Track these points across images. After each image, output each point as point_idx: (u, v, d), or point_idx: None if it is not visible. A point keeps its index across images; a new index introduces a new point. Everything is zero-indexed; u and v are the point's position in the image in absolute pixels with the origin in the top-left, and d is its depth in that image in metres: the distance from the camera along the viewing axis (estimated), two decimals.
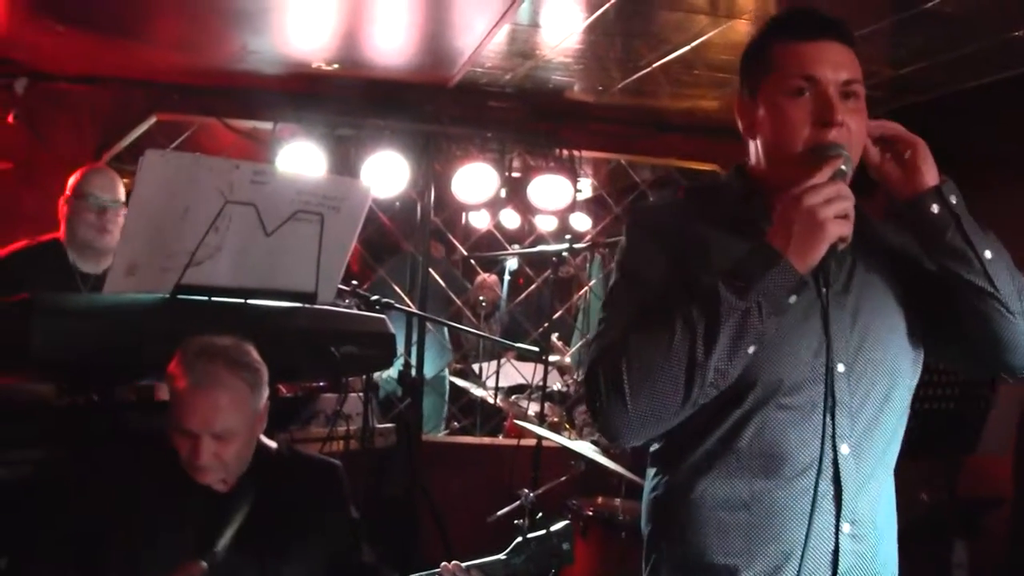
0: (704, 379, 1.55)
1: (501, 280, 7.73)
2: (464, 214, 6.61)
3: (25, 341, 2.25)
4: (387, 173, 4.66)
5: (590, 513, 3.91)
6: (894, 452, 1.75)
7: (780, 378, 1.63)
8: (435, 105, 4.88)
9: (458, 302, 6.08)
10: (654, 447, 1.81)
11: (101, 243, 3.42)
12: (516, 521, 3.90)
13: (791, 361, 1.64)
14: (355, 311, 3.32)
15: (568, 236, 4.95)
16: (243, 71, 4.48)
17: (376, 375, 4.29)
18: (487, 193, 4.85)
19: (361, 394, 3.67)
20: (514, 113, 5.00)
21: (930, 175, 1.65)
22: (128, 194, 2.81)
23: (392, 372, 4.69)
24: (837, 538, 1.64)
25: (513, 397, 5.87)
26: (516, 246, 6.03)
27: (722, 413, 1.65)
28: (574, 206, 5.04)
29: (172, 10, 3.78)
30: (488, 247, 6.33)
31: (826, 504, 1.64)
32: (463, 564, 2.27)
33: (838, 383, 1.65)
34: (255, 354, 2.28)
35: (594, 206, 7.38)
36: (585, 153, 5.18)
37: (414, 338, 5.08)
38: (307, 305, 2.82)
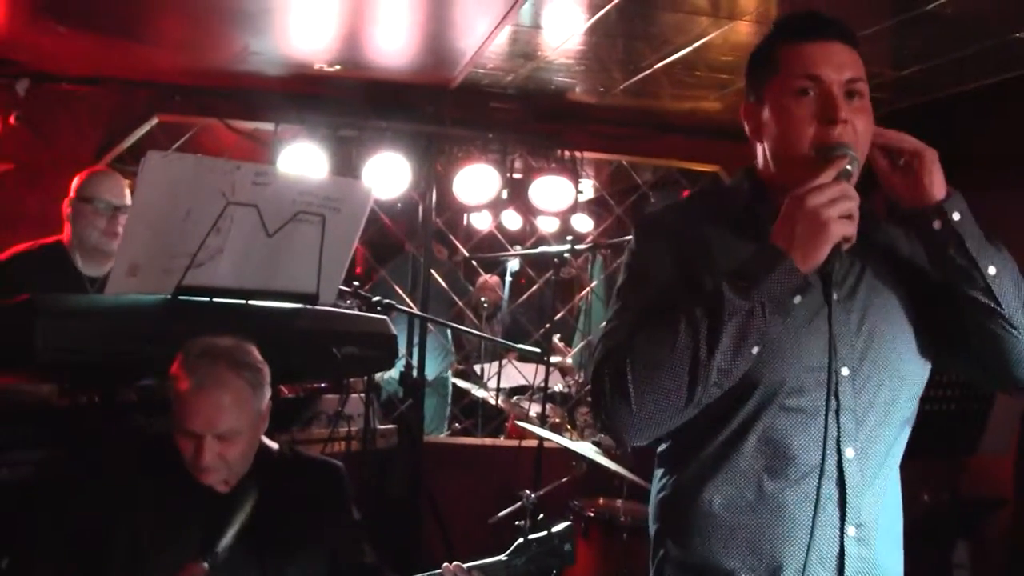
0: (708, 379, 1.56)
1: (503, 281, 7.73)
2: (466, 215, 6.60)
3: (27, 342, 2.25)
4: (389, 174, 4.66)
5: (591, 514, 3.91)
6: (898, 456, 1.75)
7: (784, 379, 1.63)
8: (437, 106, 4.88)
9: (459, 303, 6.08)
10: (661, 447, 1.81)
11: (110, 246, 3.32)
12: (517, 522, 3.90)
13: (795, 363, 1.64)
14: (356, 312, 3.32)
15: (570, 237, 4.94)
16: (245, 72, 4.49)
17: (378, 376, 4.30)
18: (489, 194, 4.85)
19: (363, 395, 3.67)
20: (515, 114, 5.00)
21: (936, 188, 1.63)
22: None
23: (394, 373, 4.70)
24: (842, 541, 1.64)
25: (515, 398, 5.87)
26: (518, 247, 6.04)
27: (728, 414, 1.65)
28: (575, 207, 5.04)
29: (174, 11, 3.78)
30: (490, 248, 6.33)
31: (831, 507, 1.64)
32: (464, 565, 2.27)
33: (842, 386, 1.65)
34: (257, 354, 2.28)
35: (596, 207, 7.38)
36: (587, 154, 5.18)
37: (416, 339, 5.08)
38: (308, 306, 2.83)
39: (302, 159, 4.52)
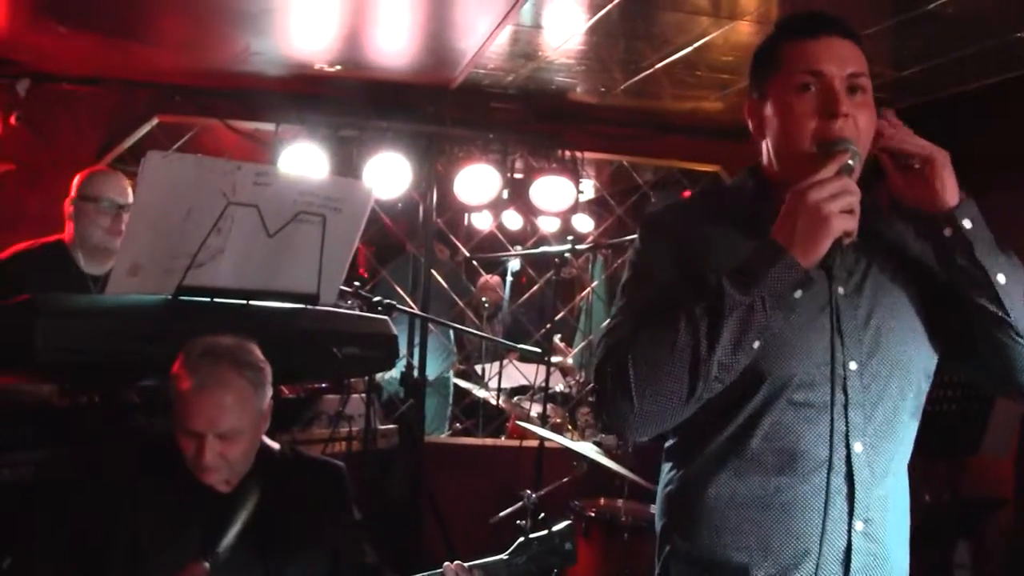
0: (708, 374, 1.56)
1: (503, 281, 7.73)
2: (466, 215, 6.61)
3: (28, 342, 2.25)
4: (389, 174, 4.66)
5: (592, 514, 3.91)
6: (906, 453, 1.75)
7: (791, 374, 1.64)
8: (437, 106, 4.88)
9: (460, 303, 6.08)
10: (669, 442, 1.82)
11: (114, 245, 3.30)
12: (518, 522, 3.91)
13: (802, 357, 1.65)
14: (357, 312, 3.32)
15: (570, 237, 4.94)
16: (246, 72, 4.49)
17: (379, 376, 4.30)
18: (489, 194, 4.85)
19: (364, 395, 3.67)
20: (516, 114, 5.01)
21: (948, 193, 1.62)
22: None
23: (395, 373, 4.70)
24: (850, 536, 1.64)
25: (515, 398, 5.87)
26: (518, 247, 6.03)
27: (735, 408, 1.66)
28: (576, 207, 5.03)
29: (174, 11, 3.78)
30: (490, 248, 6.33)
31: (839, 502, 1.64)
32: (466, 564, 2.27)
33: (851, 381, 1.65)
34: (259, 353, 2.28)
35: (596, 207, 7.37)
36: (587, 154, 5.18)
37: (417, 339, 5.08)
38: (309, 306, 2.82)
39: (303, 159, 4.52)
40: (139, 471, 2.25)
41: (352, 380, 3.60)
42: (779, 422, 1.64)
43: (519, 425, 4.36)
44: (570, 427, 5.12)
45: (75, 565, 2.15)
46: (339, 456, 3.14)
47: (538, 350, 4.62)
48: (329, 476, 2.47)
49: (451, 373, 6.43)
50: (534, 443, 4.28)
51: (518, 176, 5.04)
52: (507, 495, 4.17)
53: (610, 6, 3.33)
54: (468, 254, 6.25)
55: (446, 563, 2.27)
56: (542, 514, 3.80)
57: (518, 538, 2.38)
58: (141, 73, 4.63)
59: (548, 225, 6.06)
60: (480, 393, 6.15)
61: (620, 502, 4.01)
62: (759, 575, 1.65)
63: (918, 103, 4.31)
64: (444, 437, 5.84)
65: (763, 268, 1.54)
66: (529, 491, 3.98)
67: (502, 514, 4.10)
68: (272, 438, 2.40)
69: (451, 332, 6.09)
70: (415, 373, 4.91)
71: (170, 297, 2.54)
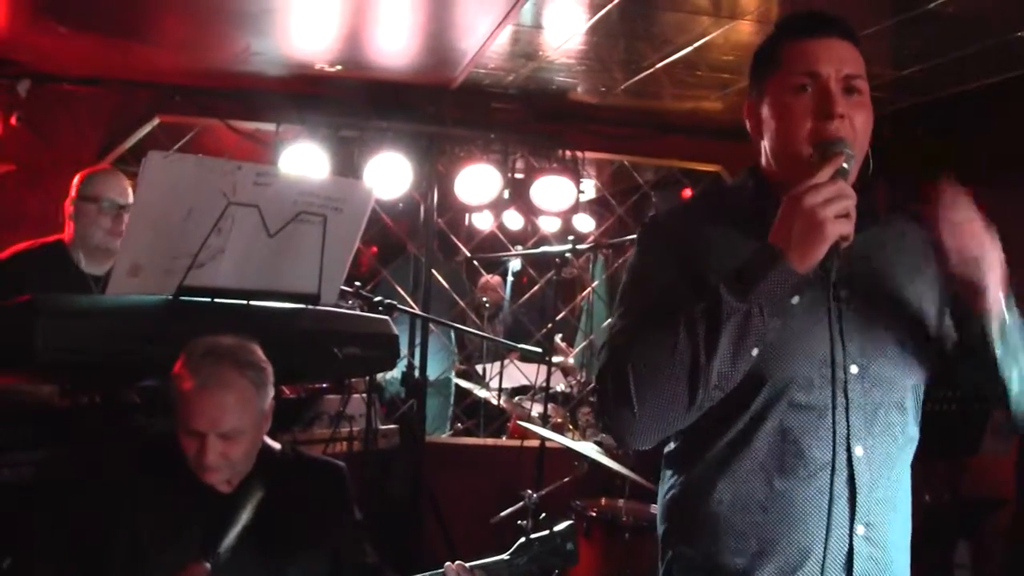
0: (708, 382, 1.56)
1: (504, 281, 7.73)
2: (467, 215, 6.61)
3: (28, 342, 2.25)
4: (390, 174, 4.66)
5: (593, 514, 3.91)
6: (907, 456, 1.74)
7: (792, 378, 1.63)
8: (438, 106, 4.89)
9: (461, 303, 6.09)
10: (669, 448, 1.81)
11: (115, 245, 3.28)
12: (520, 522, 3.91)
13: (803, 361, 1.64)
14: (358, 312, 3.32)
15: (571, 237, 4.95)
16: (246, 73, 4.49)
17: (380, 376, 4.30)
18: (490, 194, 4.85)
19: (364, 395, 3.67)
20: (517, 114, 5.01)
21: (991, 299, 1.58)
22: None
23: (396, 373, 4.70)
24: (851, 540, 1.64)
25: (516, 398, 5.87)
26: (519, 247, 6.03)
27: (736, 413, 1.65)
28: (577, 207, 5.04)
29: (175, 11, 3.78)
30: (491, 248, 6.33)
31: (841, 505, 1.64)
32: (467, 564, 2.27)
33: (851, 384, 1.65)
34: (260, 354, 2.28)
35: (597, 207, 7.37)
36: (588, 154, 5.18)
37: (418, 339, 5.08)
38: (310, 307, 2.82)
39: (303, 159, 4.52)
40: (139, 471, 2.25)
41: (353, 380, 3.60)
42: (781, 425, 1.64)
43: (520, 425, 4.36)
44: (571, 427, 5.11)
45: (75, 565, 2.15)
46: (340, 456, 3.13)
47: (539, 350, 4.62)
48: (330, 476, 2.47)
49: (453, 373, 6.43)
50: (535, 443, 4.28)
51: (519, 176, 5.05)
52: (508, 495, 4.17)
53: (610, 6, 3.34)
54: (469, 254, 6.25)
55: (447, 563, 2.27)
56: (543, 514, 3.78)
57: (519, 538, 2.38)
58: (141, 73, 4.64)
59: (549, 225, 6.06)
60: (481, 393, 6.14)
61: (621, 502, 4.01)
62: None
63: (918, 103, 4.31)
64: (445, 437, 5.84)
65: (759, 274, 1.54)
66: (530, 491, 3.98)
67: (503, 514, 4.10)
68: (273, 438, 2.40)
69: (452, 332, 6.09)
70: (416, 373, 4.91)
71: (171, 297, 2.54)
